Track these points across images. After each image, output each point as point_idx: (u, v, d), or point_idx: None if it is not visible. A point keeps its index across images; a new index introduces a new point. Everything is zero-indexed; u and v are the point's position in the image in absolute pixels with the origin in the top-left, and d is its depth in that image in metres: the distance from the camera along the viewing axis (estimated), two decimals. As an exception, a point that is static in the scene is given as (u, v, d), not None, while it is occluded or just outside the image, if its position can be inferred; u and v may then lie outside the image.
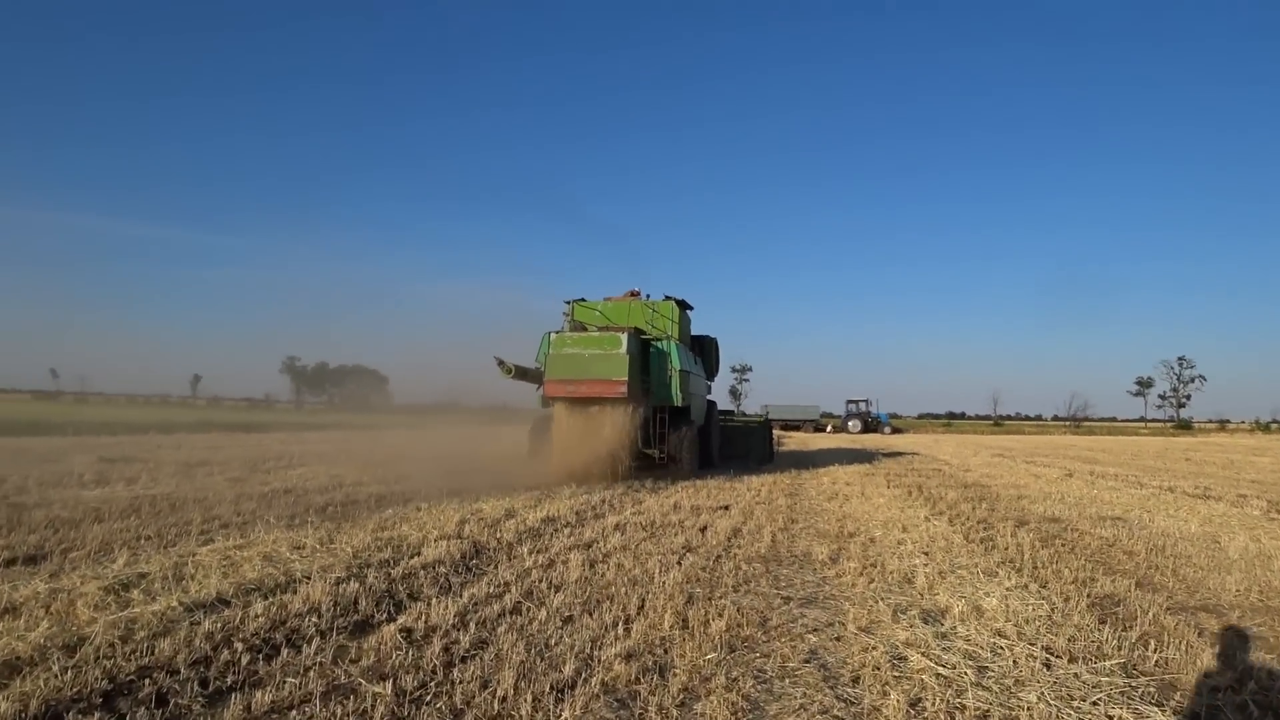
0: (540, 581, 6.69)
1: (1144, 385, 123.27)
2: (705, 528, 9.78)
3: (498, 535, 8.84)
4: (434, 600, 5.97)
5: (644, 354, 16.32)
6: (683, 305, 18.84)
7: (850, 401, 75.85)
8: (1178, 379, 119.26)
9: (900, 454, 30.15)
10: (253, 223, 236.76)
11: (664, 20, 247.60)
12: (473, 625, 5.32)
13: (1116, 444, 47.48)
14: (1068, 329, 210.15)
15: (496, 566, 7.35)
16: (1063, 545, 9.09)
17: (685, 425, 16.91)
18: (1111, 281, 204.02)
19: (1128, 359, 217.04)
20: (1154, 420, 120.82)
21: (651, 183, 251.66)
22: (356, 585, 6.24)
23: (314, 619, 5.37)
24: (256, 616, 5.32)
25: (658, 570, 7.19)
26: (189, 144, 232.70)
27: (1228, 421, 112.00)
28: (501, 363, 15.25)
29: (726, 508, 11.71)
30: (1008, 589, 6.62)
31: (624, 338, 15.37)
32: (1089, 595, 6.53)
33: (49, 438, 25.68)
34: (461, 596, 6.11)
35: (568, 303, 18.48)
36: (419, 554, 7.64)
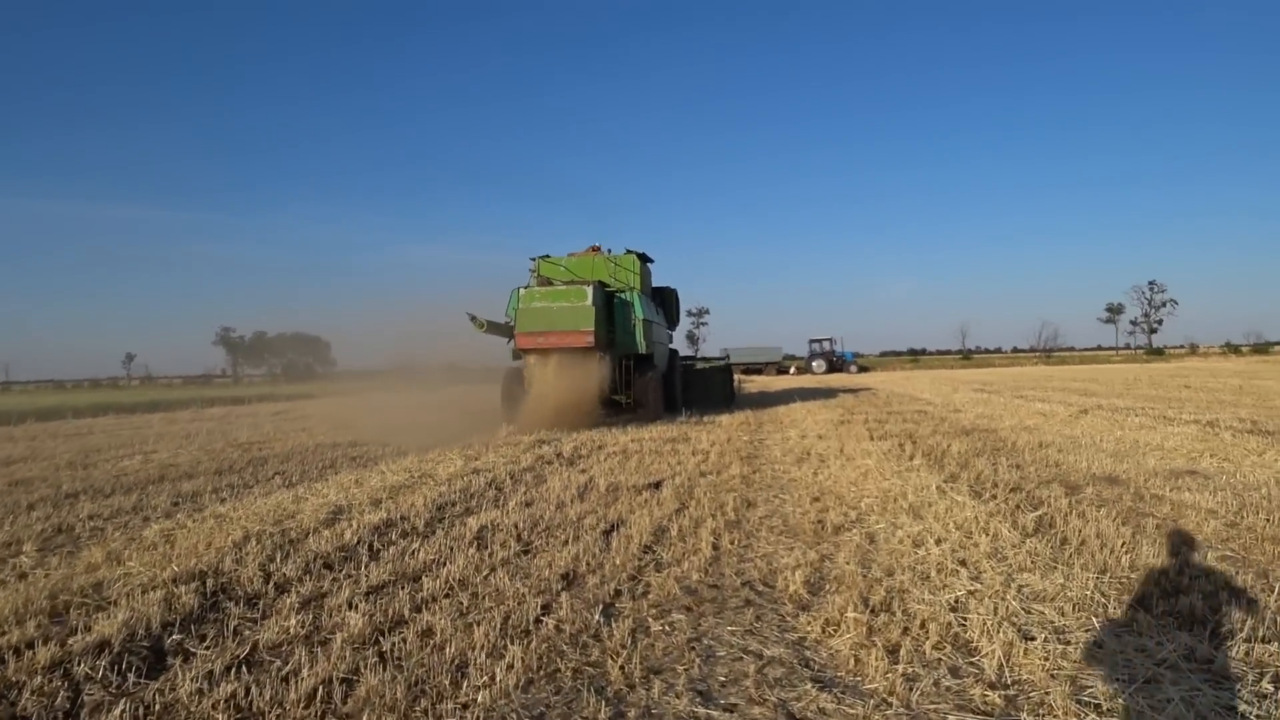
0: (234, 699, 3.33)
1: (1114, 312, 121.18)
2: (615, 527, 6.46)
3: (274, 566, 5.48)
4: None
5: (609, 305, 16.84)
6: (643, 258, 19.19)
7: (814, 341, 72.77)
8: (1149, 304, 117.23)
9: (873, 394, 26.93)
10: (194, 197, 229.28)
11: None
12: None
13: (1097, 373, 44.66)
14: (1035, 258, 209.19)
15: (213, 645, 4.03)
16: (1165, 534, 5.86)
17: (650, 372, 17.38)
18: (1077, 206, 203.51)
19: (1094, 287, 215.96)
20: (1123, 348, 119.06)
21: (604, 129, 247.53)
22: None
23: None
24: None
25: (486, 647, 3.84)
26: (128, 118, 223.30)
27: (1197, 346, 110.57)
28: (474, 318, 15.71)
29: (658, 485, 8.40)
30: (1165, 667, 3.33)
31: (589, 290, 15.86)
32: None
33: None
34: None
35: (533, 259, 18.70)
36: (88, 627, 4.28)
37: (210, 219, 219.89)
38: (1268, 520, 6.03)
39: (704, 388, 22.96)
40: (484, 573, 5.22)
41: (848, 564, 5.12)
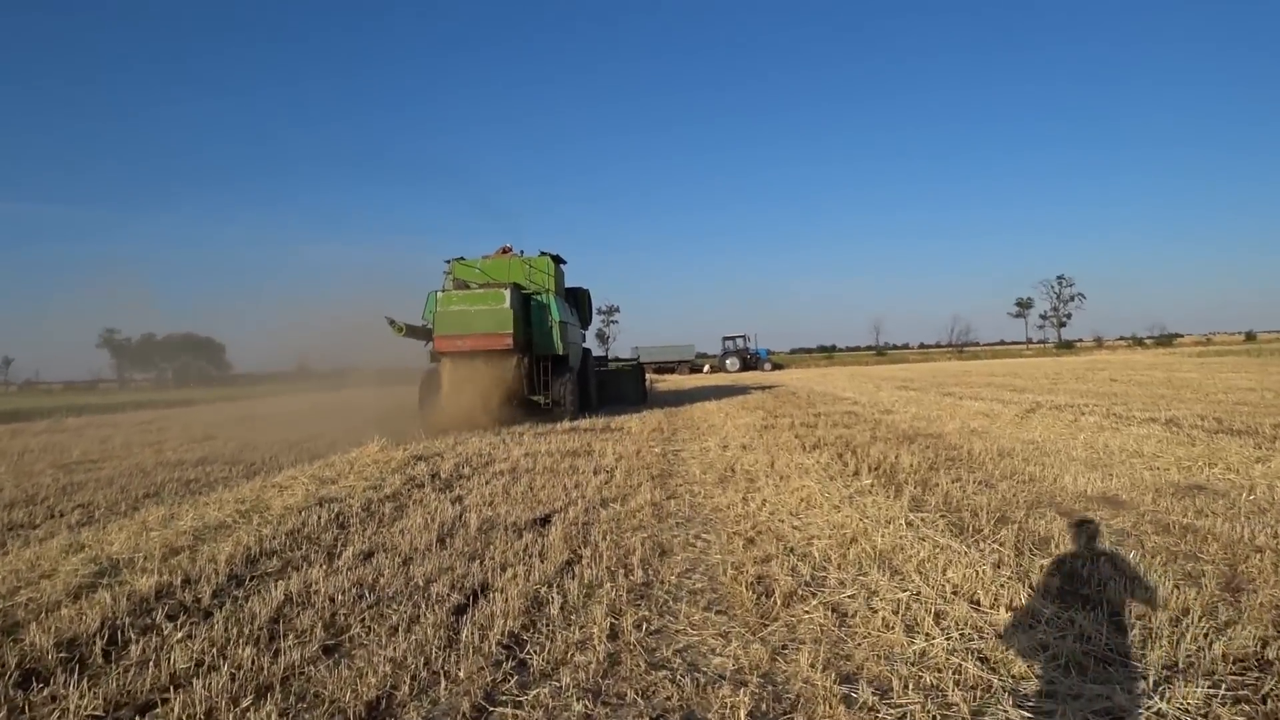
0: None
1: (1024, 306, 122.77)
2: (473, 598, 4.54)
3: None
4: None
5: (526, 308, 17.01)
6: (557, 260, 19.49)
7: (727, 338, 71.36)
8: (1058, 298, 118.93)
9: (793, 393, 25.37)
10: (71, 192, 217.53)
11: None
12: None
13: (1014, 367, 44.14)
14: (943, 253, 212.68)
15: None
16: (1242, 595, 4.22)
17: (566, 372, 17.57)
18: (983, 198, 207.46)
19: (999, 282, 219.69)
20: (1037, 342, 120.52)
21: (510, 129, 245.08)
22: None
23: None
24: None
25: None
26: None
27: (1102, 339, 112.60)
28: (393, 322, 15.79)
29: (545, 521, 6.53)
30: None
31: (507, 293, 15.95)
32: None
33: None
34: None
35: (448, 261, 18.74)
36: None
37: (88, 215, 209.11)
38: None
39: (617, 387, 23.44)
40: (246, 700, 3.29)
41: (815, 673, 3.31)
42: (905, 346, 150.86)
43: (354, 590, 4.74)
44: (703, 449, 10.98)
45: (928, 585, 4.33)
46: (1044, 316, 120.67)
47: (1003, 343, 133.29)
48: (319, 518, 6.88)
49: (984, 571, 4.47)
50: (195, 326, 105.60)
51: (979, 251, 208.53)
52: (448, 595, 4.57)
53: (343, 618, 4.30)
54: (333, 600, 4.57)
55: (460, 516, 6.79)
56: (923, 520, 5.87)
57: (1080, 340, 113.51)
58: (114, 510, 8.13)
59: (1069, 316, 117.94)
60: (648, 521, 6.41)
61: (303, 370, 28.16)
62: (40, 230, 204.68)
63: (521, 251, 19.14)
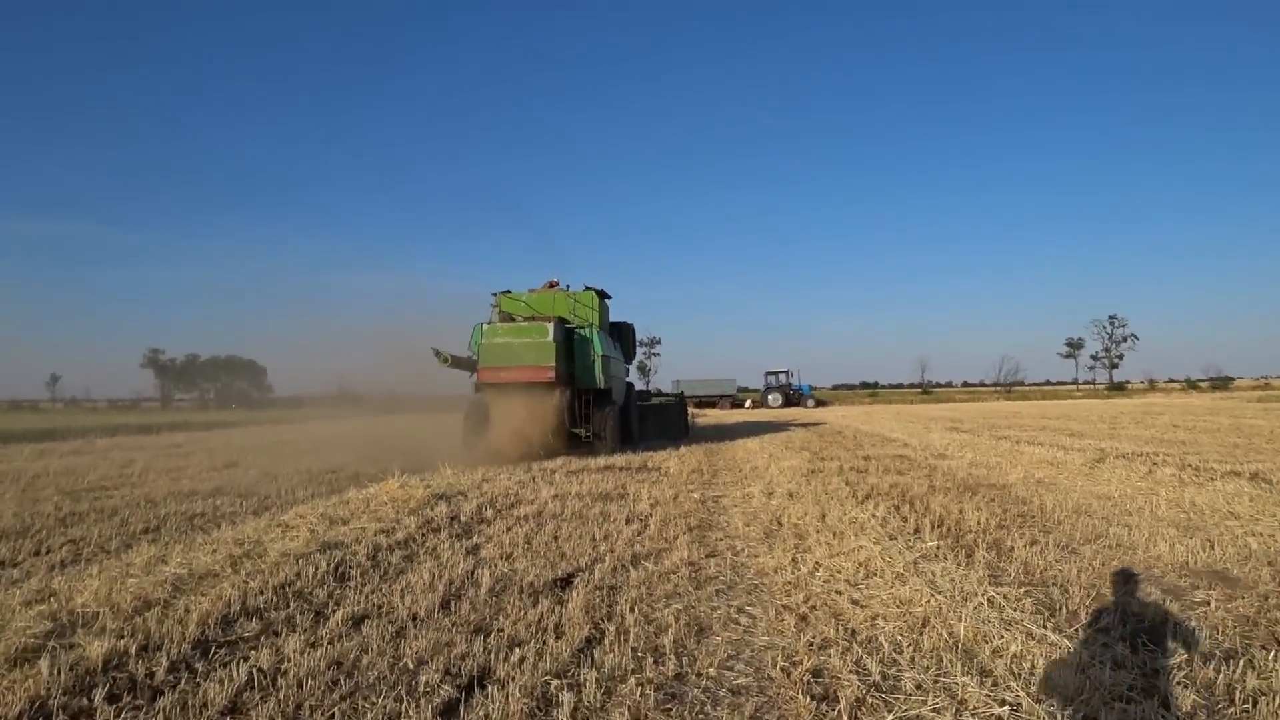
0: None
1: (1075, 346, 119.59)
2: (468, 690, 3.76)
3: None
4: None
5: (569, 341, 17.12)
6: (602, 295, 19.70)
7: (769, 373, 70.26)
8: (1109, 339, 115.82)
9: (838, 433, 24.33)
10: (132, 215, 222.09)
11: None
12: None
13: (1067, 409, 42.63)
14: (994, 291, 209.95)
15: None
16: None
17: (608, 406, 17.68)
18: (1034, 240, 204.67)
19: (1046, 322, 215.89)
20: (1085, 383, 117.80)
21: (559, 164, 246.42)
22: None
23: None
24: None
25: None
26: (54, 130, 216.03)
27: (1156, 381, 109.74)
28: (438, 352, 16.21)
29: (567, 583, 5.74)
30: None
31: (551, 327, 16.12)
32: None
33: None
34: None
35: (494, 294, 18.93)
36: None
37: (140, 238, 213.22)
38: None
39: (660, 422, 23.13)
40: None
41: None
42: (949, 385, 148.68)
43: (330, 672, 3.98)
44: (745, 495, 10.13)
45: (1027, 696, 3.48)
46: (1095, 357, 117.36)
47: (1049, 383, 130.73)
48: (317, 568, 6.17)
49: (1098, 679, 3.62)
50: (238, 349, 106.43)
51: (1028, 291, 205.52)
52: (438, 685, 3.79)
53: (308, 712, 3.54)
54: (302, 685, 3.81)
55: (472, 573, 6.02)
56: (1005, 598, 5.00)
57: (1130, 382, 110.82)
58: (104, 548, 7.54)
59: (1120, 358, 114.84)
60: (684, 587, 5.59)
61: (343, 395, 28.11)
62: (93, 251, 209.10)
63: (568, 286, 19.21)
